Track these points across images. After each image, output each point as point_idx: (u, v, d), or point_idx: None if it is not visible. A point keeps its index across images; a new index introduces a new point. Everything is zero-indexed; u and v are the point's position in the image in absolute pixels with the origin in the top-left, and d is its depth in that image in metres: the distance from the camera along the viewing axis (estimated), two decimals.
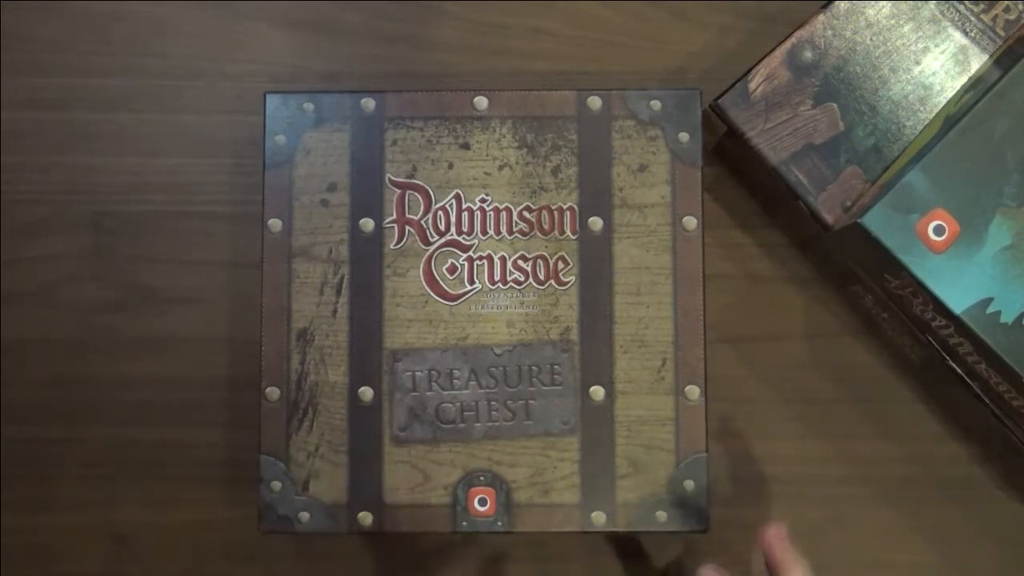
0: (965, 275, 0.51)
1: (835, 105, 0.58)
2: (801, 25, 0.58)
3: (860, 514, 0.62)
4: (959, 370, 0.56)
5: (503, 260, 0.58)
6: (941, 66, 0.58)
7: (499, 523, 0.57)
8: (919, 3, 0.58)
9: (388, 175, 0.59)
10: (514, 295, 0.58)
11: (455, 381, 0.58)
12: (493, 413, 0.57)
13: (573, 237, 0.58)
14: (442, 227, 0.58)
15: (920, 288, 0.51)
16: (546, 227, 0.58)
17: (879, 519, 0.62)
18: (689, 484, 0.57)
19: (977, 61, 0.58)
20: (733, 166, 0.63)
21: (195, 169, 0.64)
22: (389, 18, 0.65)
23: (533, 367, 0.58)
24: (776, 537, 0.51)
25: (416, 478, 0.57)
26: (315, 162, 0.59)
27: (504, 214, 0.58)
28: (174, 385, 0.63)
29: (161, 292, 0.63)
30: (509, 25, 0.64)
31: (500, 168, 0.58)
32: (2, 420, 0.63)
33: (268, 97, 0.59)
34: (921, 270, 0.51)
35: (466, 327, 0.58)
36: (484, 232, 0.58)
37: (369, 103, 0.59)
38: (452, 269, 0.58)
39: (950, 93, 0.58)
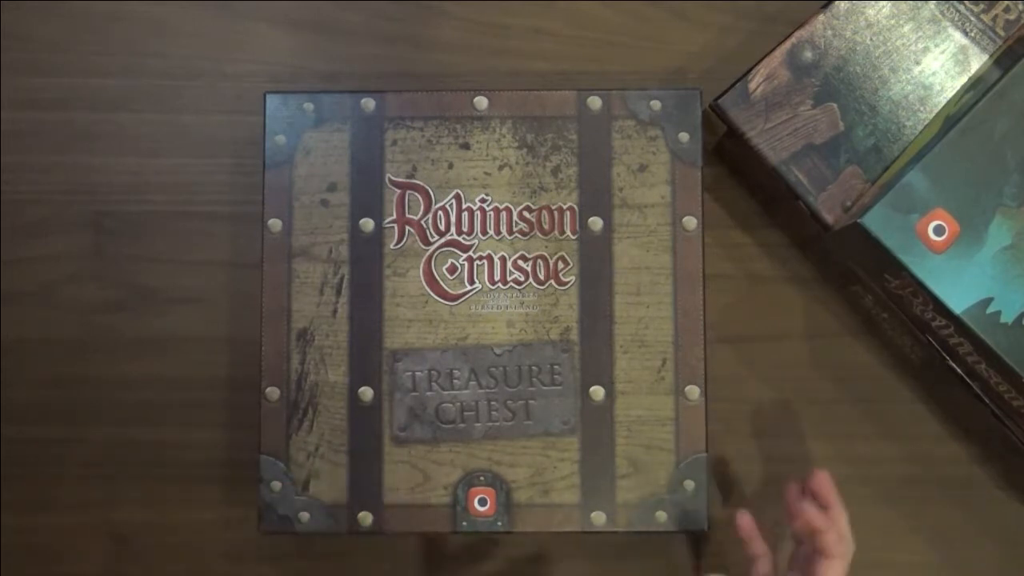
0: (965, 275, 0.51)
1: (835, 105, 0.58)
2: (801, 25, 0.58)
3: (860, 514, 0.62)
4: (959, 370, 0.56)
5: (503, 260, 0.58)
6: (941, 66, 0.58)
7: (499, 523, 0.57)
8: (919, 3, 0.58)
9: (388, 175, 0.59)
10: (514, 295, 0.58)
11: (455, 381, 0.58)
12: (493, 413, 0.57)
13: (573, 237, 0.58)
14: (442, 227, 0.58)
15: (920, 288, 0.51)
16: (546, 227, 0.58)
17: (879, 519, 0.62)
18: (689, 484, 0.57)
19: (977, 61, 0.58)
20: (733, 166, 0.63)
21: (195, 169, 0.64)
22: (389, 18, 0.65)
23: (533, 367, 0.58)
24: (826, 480, 0.53)
25: (416, 478, 0.57)
26: (315, 162, 0.59)
27: (504, 214, 0.58)
28: (174, 385, 0.63)
29: (161, 292, 0.63)
30: (509, 25, 0.64)
31: (500, 168, 0.58)
32: (2, 420, 0.63)
33: (268, 97, 0.59)
34: (921, 270, 0.51)
35: (466, 327, 0.58)
36: (484, 232, 0.58)
37: (369, 103, 0.59)
38: (452, 269, 0.58)
39: (950, 93, 0.58)
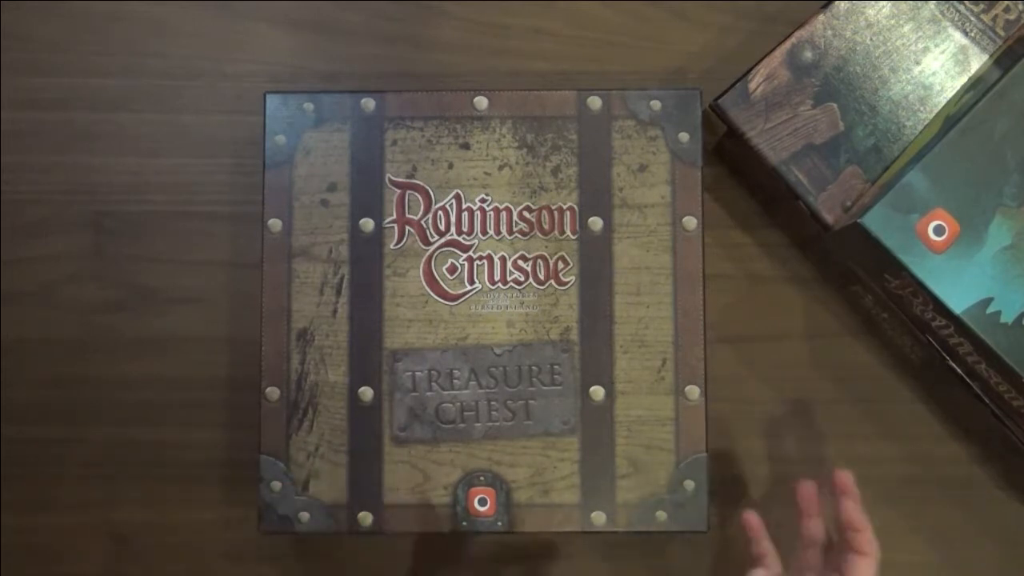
0: (965, 275, 0.51)
1: (835, 105, 0.58)
2: (801, 25, 0.58)
3: None
4: (959, 370, 0.56)
5: (503, 260, 0.58)
6: (941, 66, 0.58)
7: (499, 523, 0.57)
8: (919, 3, 0.58)
9: (388, 175, 0.59)
10: (514, 295, 0.58)
11: (455, 381, 0.58)
12: (493, 413, 0.57)
13: (573, 237, 0.58)
14: (442, 227, 0.58)
15: (920, 288, 0.51)
16: (546, 227, 0.58)
17: (879, 519, 0.62)
18: (689, 484, 0.57)
19: (977, 61, 0.58)
20: (733, 166, 0.63)
21: (195, 169, 0.64)
22: (389, 18, 0.65)
23: (533, 367, 0.58)
24: (850, 478, 0.52)
25: (416, 478, 0.57)
26: (315, 162, 0.59)
27: (504, 214, 0.58)
28: (174, 385, 0.63)
29: (161, 292, 0.63)
30: (509, 25, 0.64)
31: (500, 168, 0.58)
32: (2, 420, 0.63)
33: (268, 97, 0.59)
34: (921, 270, 0.51)
35: (466, 327, 0.58)
36: (484, 232, 0.58)
37: (369, 103, 0.59)
38: (452, 269, 0.58)
39: (950, 93, 0.58)
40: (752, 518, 0.55)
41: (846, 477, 0.52)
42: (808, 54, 0.58)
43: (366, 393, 0.58)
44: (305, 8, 0.65)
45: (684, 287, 0.58)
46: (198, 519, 0.62)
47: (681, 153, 0.58)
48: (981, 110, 0.52)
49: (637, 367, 0.57)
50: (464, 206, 0.58)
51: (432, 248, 0.58)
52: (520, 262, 0.58)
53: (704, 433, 0.57)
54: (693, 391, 0.57)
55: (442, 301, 0.58)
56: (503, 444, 0.57)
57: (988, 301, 0.51)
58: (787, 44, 0.58)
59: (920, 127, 0.57)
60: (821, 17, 0.58)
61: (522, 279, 0.58)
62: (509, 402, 0.57)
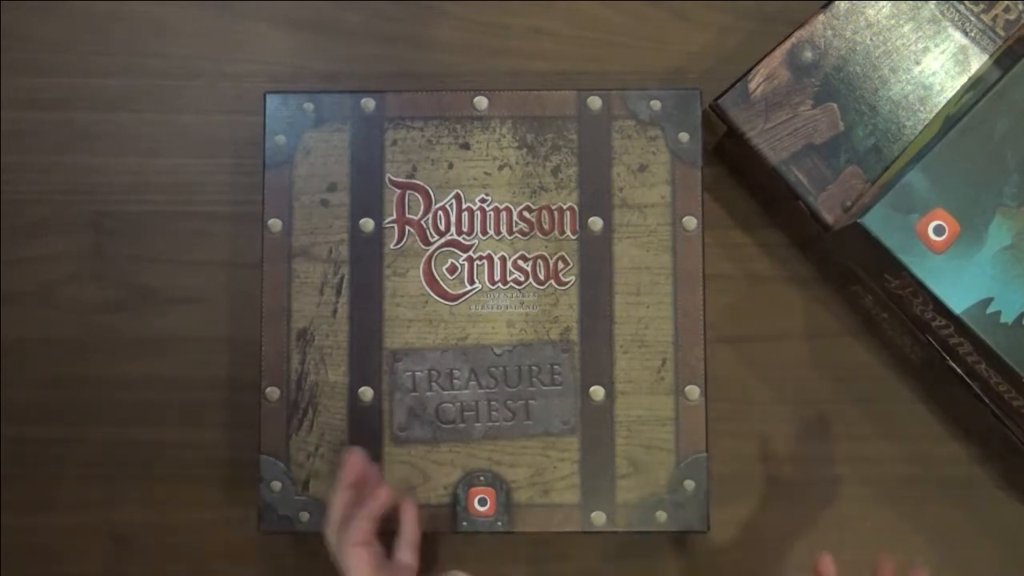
0: (965, 275, 0.51)
1: (835, 105, 0.58)
2: (801, 25, 0.58)
3: (860, 514, 0.62)
4: (959, 370, 0.56)
5: (503, 260, 0.58)
6: (941, 66, 0.58)
7: (499, 523, 0.57)
8: (919, 3, 0.58)
9: (388, 175, 0.59)
10: (514, 295, 0.58)
11: (455, 381, 0.58)
12: (493, 413, 0.57)
13: (573, 237, 0.58)
14: (442, 227, 0.58)
15: (920, 288, 0.51)
16: (546, 227, 0.58)
17: (879, 519, 0.62)
18: (689, 484, 0.57)
19: (977, 61, 0.58)
20: (733, 166, 0.63)
21: (195, 169, 0.64)
22: (389, 18, 0.65)
23: (533, 367, 0.58)
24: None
25: (416, 478, 0.57)
26: (315, 162, 0.59)
27: (504, 214, 0.58)
28: (174, 385, 0.63)
29: (161, 292, 0.63)
30: (509, 25, 0.64)
31: (500, 168, 0.58)
32: (2, 420, 0.63)
33: (268, 97, 0.59)
34: (921, 270, 0.51)
35: (466, 327, 0.58)
36: (484, 232, 0.58)
37: (369, 103, 0.59)
38: (452, 269, 0.58)
39: (950, 93, 0.58)
40: (826, 565, 0.52)
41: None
42: (808, 54, 0.58)
43: (366, 393, 0.58)
44: (305, 8, 0.65)
45: (684, 287, 0.58)
46: (198, 519, 0.62)
47: (681, 153, 0.58)
48: (981, 110, 0.52)
49: (637, 367, 0.57)
50: (464, 206, 0.58)
51: (432, 248, 0.58)
52: (520, 262, 0.58)
53: (704, 433, 0.57)
54: (693, 391, 0.57)
55: (442, 301, 0.58)
56: (503, 444, 0.57)
57: (988, 301, 0.51)
58: (787, 44, 0.58)
59: (920, 127, 0.57)
60: (821, 17, 0.58)
61: (522, 279, 0.58)
62: (509, 402, 0.57)
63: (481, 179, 0.58)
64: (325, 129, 0.59)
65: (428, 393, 0.58)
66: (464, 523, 0.57)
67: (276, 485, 0.57)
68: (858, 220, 0.51)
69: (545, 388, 0.58)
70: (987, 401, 0.56)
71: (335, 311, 0.58)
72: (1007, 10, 0.58)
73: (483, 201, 0.58)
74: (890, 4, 0.58)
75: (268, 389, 0.58)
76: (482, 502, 0.57)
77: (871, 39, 0.58)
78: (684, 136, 0.58)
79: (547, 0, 0.65)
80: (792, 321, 0.63)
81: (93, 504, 0.62)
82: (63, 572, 0.62)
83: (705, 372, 0.57)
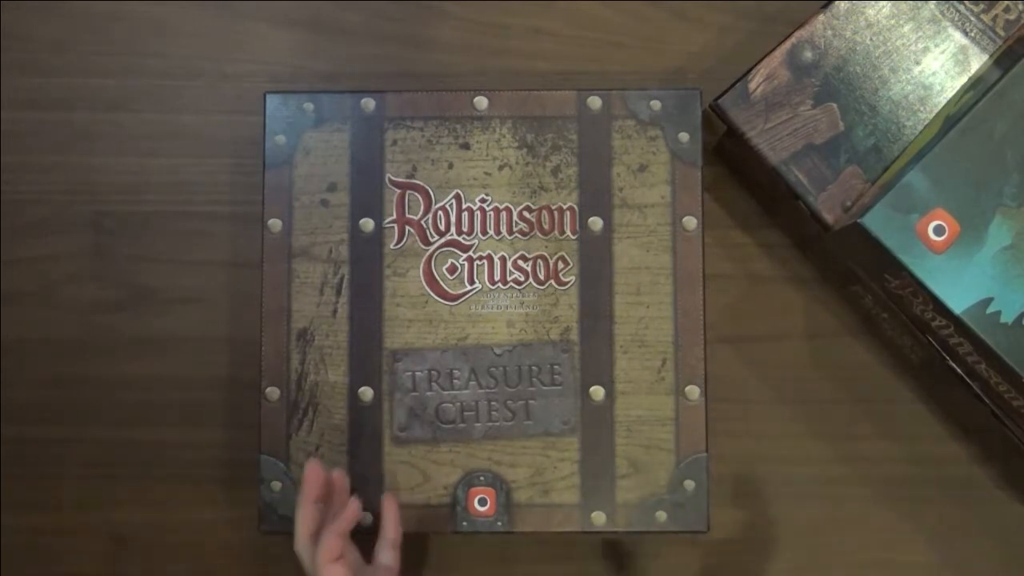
0: (965, 275, 0.51)
1: (835, 105, 0.58)
2: (801, 25, 0.58)
3: (860, 514, 0.62)
4: (959, 370, 0.56)
5: (503, 260, 0.58)
6: (941, 66, 0.58)
7: (499, 523, 0.57)
8: (919, 3, 0.58)
9: (388, 175, 0.59)
10: (514, 295, 0.58)
11: (455, 381, 0.58)
12: (493, 413, 0.57)
13: (573, 237, 0.58)
14: (442, 227, 0.58)
15: (920, 288, 0.51)
16: (546, 227, 0.58)
17: (879, 519, 0.62)
18: (689, 484, 0.57)
19: (977, 61, 0.58)
20: (733, 166, 0.63)
21: (195, 169, 0.64)
22: (389, 18, 0.65)
23: (533, 367, 0.58)
24: None
25: (416, 478, 0.57)
26: (315, 162, 0.59)
27: (504, 214, 0.58)
28: (174, 385, 0.63)
29: (161, 292, 0.63)
30: (509, 25, 0.64)
31: (500, 168, 0.58)
32: (2, 420, 0.63)
33: (268, 97, 0.59)
34: (921, 270, 0.51)
35: (466, 327, 0.58)
36: (484, 232, 0.58)
37: (369, 103, 0.59)
38: (452, 269, 0.58)
39: (950, 93, 0.58)
40: None
41: None
42: (808, 54, 0.58)
43: (366, 393, 0.58)
44: (305, 8, 0.65)
45: (684, 287, 0.58)
46: (198, 519, 0.62)
47: (681, 153, 0.58)
48: (981, 110, 0.52)
49: (637, 367, 0.57)
50: (464, 206, 0.58)
51: (432, 248, 0.58)
52: (520, 262, 0.58)
53: (704, 433, 0.57)
54: (693, 391, 0.57)
55: (442, 301, 0.58)
56: (503, 444, 0.57)
57: (988, 301, 0.51)
58: (787, 44, 0.58)
59: (920, 127, 0.57)
60: (821, 17, 0.58)
61: (522, 279, 0.58)
62: (509, 402, 0.57)
63: (481, 179, 0.58)
64: (325, 129, 0.59)
65: (428, 393, 0.58)
66: (464, 523, 0.57)
67: (276, 485, 0.57)
68: (858, 220, 0.51)
69: (545, 388, 0.58)
70: (987, 401, 0.56)
71: (335, 311, 0.58)
72: (1007, 10, 0.58)
73: (483, 201, 0.58)
74: (890, 4, 0.58)
75: (268, 389, 0.58)
76: (482, 502, 0.57)
77: (871, 39, 0.58)
78: (684, 136, 0.58)
79: (547, 0, 0.65)
80: (792, 321, 0.63)
81: (93, 504, 0.62)
82: (63, 572, 0.62)
83: (705, 372, 0.57)
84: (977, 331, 0.51)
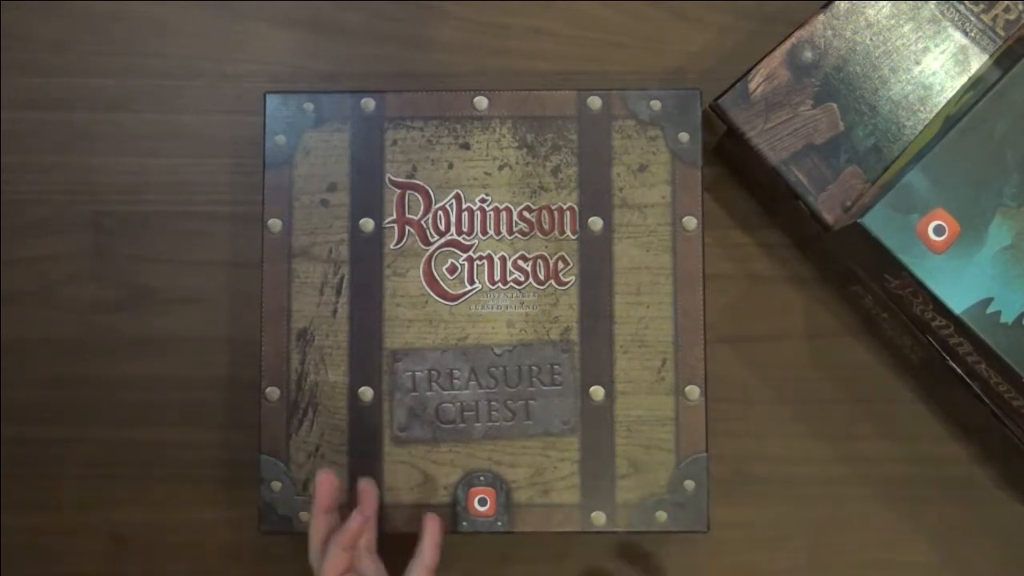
0: (965, 275, 0.51)
1: (835, 105, 0.58)
2: (801, 25, 0.58)
3: (860, 514, 0.62)
4: (959, 370, 0.56)
5: (503, 260, 0.58)
6: (941, 66, 0.58)
7: (499, 523, 0.57)
8: (919, 3, 0.58)
9: (388, 175, 0.59)
10: (514, 295, 0.58)
11: (455, 381, 0.58)
12: (493, 413, 0.57)
13: (573, 237, 0.58)
14: (442, 227, 0.58)
15: (920, 288, 0.51)
16: (546, 227, 0.58)
17: (879, 519, 0.62)
18: (689, 484, 0.57)
19: (977, 61, 0.58)
20: (733, 166, 0.63)
21: (195, 169, 0.64)
22: (389, 18, 0.65)
23: (533, 367, 0.58)
24: None
25: (416, 478, 0.57)
26: (315, 162, 0.59)
27: (504, 214, 0.58)
28: (174, 385, 0.63)
29: (161, 292, 0.63)
30: (509, 25, 0.64)
31: (500, 168, 0.58)
32: (2, 420, 0.63)
33: (268, 97, 0.59)
34: (921, 270, 0.51)
35: (466, 327, 0.58)
36: (484, 232, 0.58)
37: (369, 103, 0.59)
38: (452, 269, 0.58)
39: (950, 93, 0.58)
40: None
41: None
42: (808, 54, 0.58)
43: (366, 393, 0.58)
44: (305, 8, 0.65)
45: (684, 287, 0.58)
46: (198, 519, 0.62)
47: (681, 153, 0.58)
48: (981, 110, 0.52)
49: (637, 367, 0.57)
50: (464, 206, 0.58)
51: (432, 248, 0.58)
52: (520, 262, 0.58)
53: (704, 433, 0.57)
54: (693, 391, 0.57)
55: (442, 301, 0.58)
56: (503, 444, 0.57)
57: (988, 301, 0.51)
58: (787, 44, 0.58)
59: (920, 127, 0.57)
60: (821, 17, 0.58)
61: (522, 279, 0.58)
62: (509, 402, 0.57)
63: (481, 179, 0.58)
64: (325, 129, 0.59)
65: (428, 393, 0.58)
66: (464, 523, 0.57)
67: (276, 485, 0.57)
68: (858, 220, 0.51)
69: (545, 388, 0.58)
70: (987, 401, 0.56)
71: (335, 311, 0.58)
72: (1007, 10, 0.58)
73: (483, 201, 0.58)
74: (890, 4, 0.58)
75: (268, 389, 0.58)
76: (482, 502, 0.57)
77: (871, 39, 0.58)
78: (684, 136, 0.58)
79: (547, 0, 0.65)
80: (792, 321, 0.63)
81: (93, 504, 0.62)
82: (63, 572, 0.62)
83: (705, 372, 0.57)
84: (977, 331, 0.51)
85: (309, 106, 0.59)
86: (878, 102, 0.58)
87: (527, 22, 0.64)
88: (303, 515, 0.57)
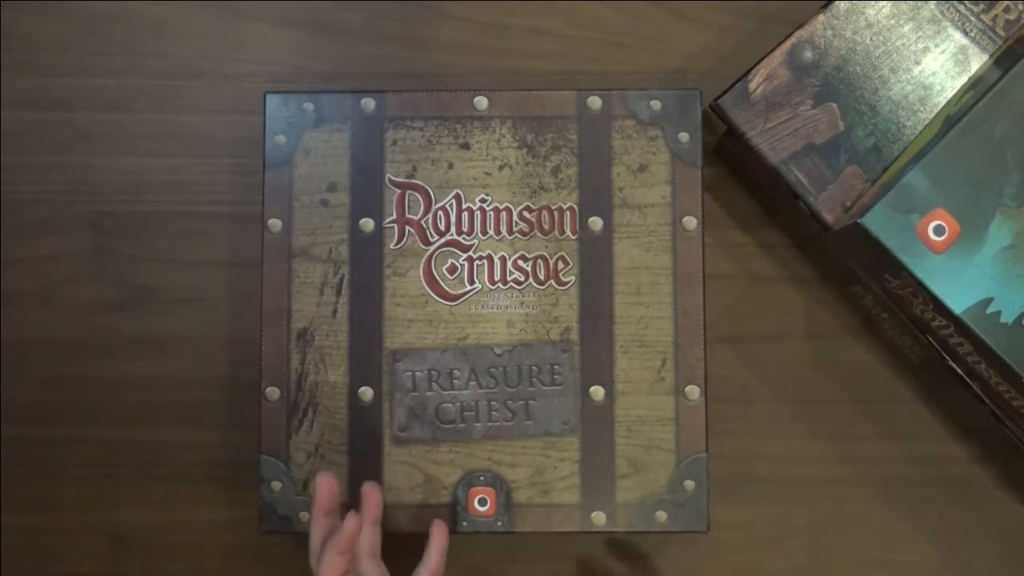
0: (965, 275, 0.51)
1: (835, 105, 0.58)
2: (801, 25, 0.58)
3: (860, 514, 0.62)
4: (959, 370, 0.56)
5: (503, 260, 0.58)
6: (941, 66, 0.58)
7: (499, 523, 0.57)
8: (919, 3, 0.58)
9: (388, 175, 0.59)
10: (514, 295, 0.58)
11: (455, 381, 0.58)
12: (493, 413, 0.57)
13: (573, 237, 0.58)
14: (442, 227, 0.58)
15: (920, 288, 0.51)
16: (546, 227, 0.58)
17: (879, 519, 0.62)
18: (689, 484, 0.57)
19: (977, 61, 0.58)
20: (733, 166, 0.63)
21: (195, 169, 0.64)
22: (389, 18, 0.65)
23: (533, 367, 0.58)
24: None
25: (416, 478, 0.57)
26: (315, 162, 0.59)
27: (504, 214, 0.58)
28: (174, 385, 0.63)
29: (161, 292, 0.63)
30: (509, 25, 0.64)
31: (500, 168, 0.58)
32: (2, 420, 0.63)
33: (268, 97, 0.59)
34: (921, 270, 0.51)
35: (466, 327, 0.58)
36: (484, 232, 0.58)
37: (369, 103, 0.59)
38: (452, 269, 0.58)
39: (950, 93, 0.58)
40: None
41: None
42: (808, 54, 0.58)
43: (366, 393, 0.58)
44: (305, 8, 0.65)
45: (684, 287, 0.58)
46: (198, 519, 0.62)
47: (681, 153, 0.58)
48: (981, 110, 0.52)
49: (637, 367, 0.57)
50: (464, 206, 0.58)
51: (432, 248, 0.58)
52: (520, 262, 0.58)
53: (704, 433, 0.57)
54: (693, 391, 0.57)
55: (442, 301, 0.58)
56: (503, 444, 0.57)
57: (988, 301, 0.51)
58: (787, 44, 0.58)
59: (920, 127, 0.57)
60: (821, 17, 0.58)
61: (522, 279, 0.58)
62: (509, 402, 0.57)
63: (481, 179, 0.58)
64: (325, 129, 0.59)
65: (428, 393, 0.58)
66: (464, 523, 0.57)
67: (276, 485, 0.57)
68: (858, 220, 0.51)
69: (545, 388, 0.58)
70: (987, 401, 0.56)
71: (335, 311, 0.58)
72: (1007, 10, 0.58)
73: (483, 201, 0.58)
74: (890, 4, 0.58)
75: (268, 389, 0.58)
76: (482, 502, 0.57)
77: (871, 39, 0.58)
78: (684, 136, 0.58)
79: (547, 0, 0.65)
80: (792, 321, 0.63)
81: (93, 504, 0.62)
82: (63, 572, 0.62)
83: (705, 372, 0.57)
84: (977, 331, 0.51)
85: (309, 106, 0.59)
86: (878, 102, 0.58)
87: (527, 22, 0.64)
88: (303, 515, 0.57)
